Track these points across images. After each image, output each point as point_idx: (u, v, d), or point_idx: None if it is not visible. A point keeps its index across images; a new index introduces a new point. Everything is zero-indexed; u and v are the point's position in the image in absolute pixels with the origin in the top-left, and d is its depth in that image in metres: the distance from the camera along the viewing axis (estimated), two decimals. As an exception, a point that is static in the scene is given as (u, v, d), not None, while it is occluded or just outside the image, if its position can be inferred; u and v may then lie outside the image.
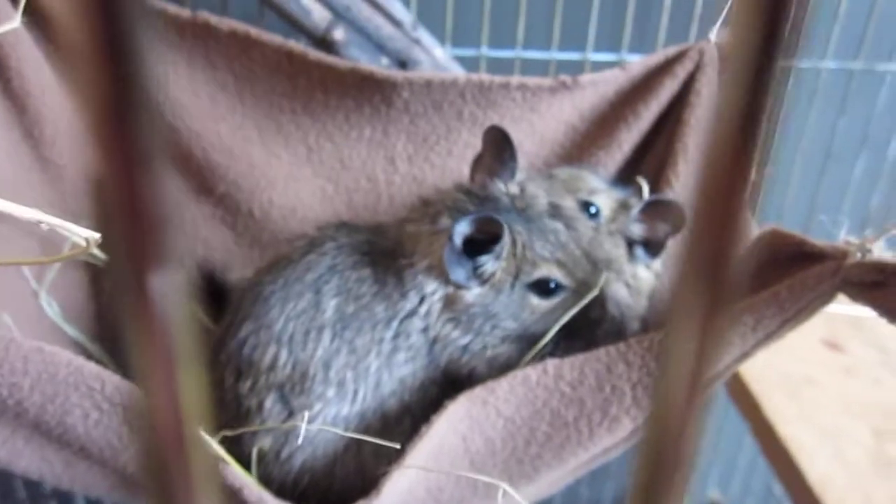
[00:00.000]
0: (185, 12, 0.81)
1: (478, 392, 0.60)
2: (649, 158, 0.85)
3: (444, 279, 0.64)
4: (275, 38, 0.82)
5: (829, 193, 1.08)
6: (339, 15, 0.87)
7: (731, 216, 0.17)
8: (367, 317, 0.65)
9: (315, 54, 0.82)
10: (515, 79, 0.82)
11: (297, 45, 0.82)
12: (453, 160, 0.85)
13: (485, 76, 0.82)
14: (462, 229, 0.61)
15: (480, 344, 0.65)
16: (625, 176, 0.84)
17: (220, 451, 0.59)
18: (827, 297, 0.55)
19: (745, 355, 0.58)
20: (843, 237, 0.57)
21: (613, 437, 0.62)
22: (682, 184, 0.79)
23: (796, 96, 1.03)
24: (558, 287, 0.66)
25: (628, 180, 0.82)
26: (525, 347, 0.66)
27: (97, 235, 0.53)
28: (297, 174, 0.86)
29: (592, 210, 0.75)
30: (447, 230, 0.63)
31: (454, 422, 0.59)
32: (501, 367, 0.65)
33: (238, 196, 0.85)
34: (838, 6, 0.97)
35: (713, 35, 0.82)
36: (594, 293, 0.66)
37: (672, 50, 0.83)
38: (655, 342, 0.60)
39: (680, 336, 0.18)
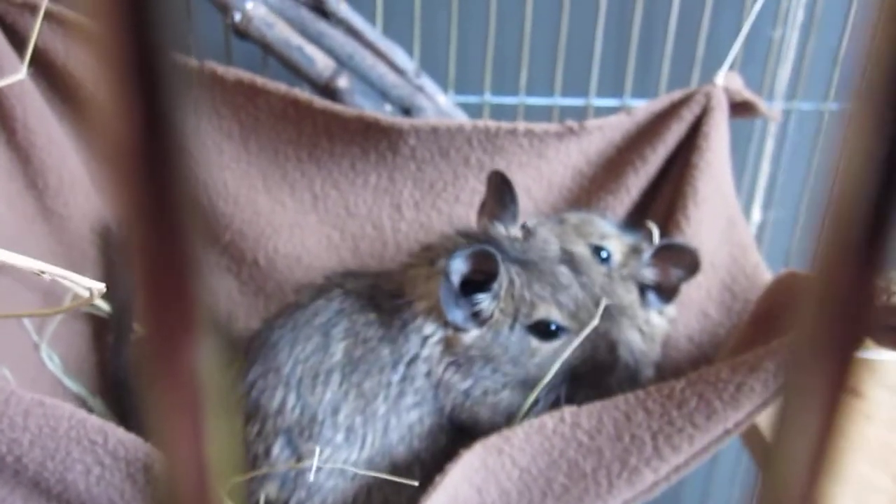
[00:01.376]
0: (191, 61, 0.81)
1: (493, 440, 0.58)
2: (658, 202, 0.85)
3: (444, 321, 0.63)
4: (280, 87, 0.82)
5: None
6: (343, 63, 0.87)
7: (862, 282, 0.15)
8: (374, 360, 0.64)
9: (320, 102, 0.82)
10: (522, 125, 0.82)
11: (303, 93, 0.82)
12: (461, 207, 0.84)
13: (491, 122, 0.82)
14: (457, 266, 0.60)
15: (481, 389, 0.64)
16: (633, 220, 0.84)
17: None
18: None
19: (766, 402, 0.57)
20: None
21: (633, 490, 0.60)
22: (693, 228, 0.78)
23: (800, 138, 1.03)
24: (560, 329, 0.64)
25: (637, 225, 0.82)
26: (528, 393, 0.64)
27: (101, 286, 0.52)
28: (303, 222, 0.85)
29: (604, 255, 0.74)
30: (444, 270, 0.62)
31: (469, 472, 0.58)
32: (504, 414, 0.64)
33: (243, 245, 0.85)
34: (839, 49, 0.97)
35: (719, 79, 0.82)
36: (592, 325, 0.64)
37: (678, 94, 0.83)
38: (677, 390, 0.59)
39: (797, 421, 0.16)
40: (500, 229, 0.70)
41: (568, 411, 0.60)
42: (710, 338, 0.79)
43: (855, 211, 0.16)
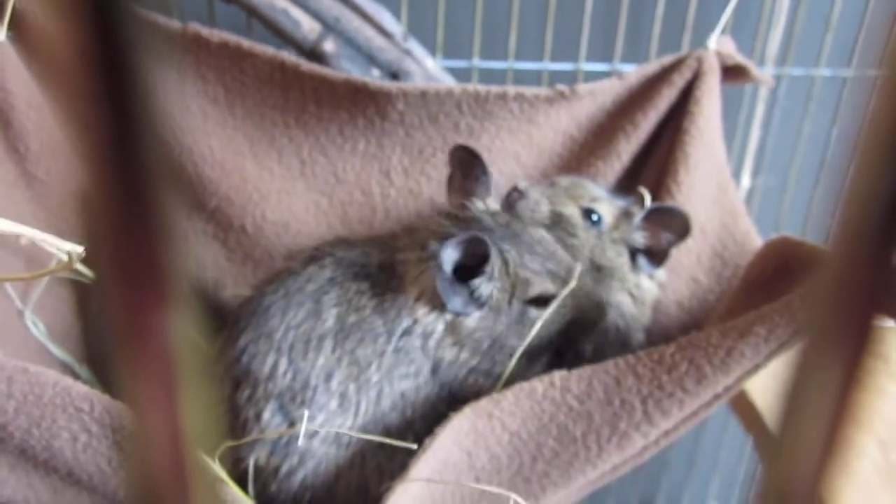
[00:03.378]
0: (174, 24, 0.80)
1: (483, 404, 0.58)
2: (649, 168, 0.84)
3: (441, 307, 0.63)
4: (266, 50, 0.80)
5: (824, 201, 1.08)
6: (329, 27, 0.86)
7: (880, 259, 0.15)
8: (367, 329, 0.63)
9: (308, 65, 0.80)
10: (512, 89, 0.81)
11: (290, 57, 0.81)
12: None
13: (481, 87, 0.81)
14: (449, 256, 0.60)
15: (489, 364, 0.64)
16: (624, 186, 0.83)
17: (219, 469, 0.57)
18: None
19: (756, 367, 0.57)
20: None
21: (623, 455, 0.60)
22: (684, 194, 0.78)
23: (790, 104, 1.03)
24: (554, 296, 0.65)
25: (628, 190, 0.81)
26: (532, 362, 0.65)
27: (80, 249, 0.52)
28: (291, 188, 0.84)
29: (594, 218, 0.74)
30: (434, 256, 0.61)
31: (459, 435, 0.58)
32: (509, 384, 0.64)
33: (230, 211, 0.83)
34: (830, 14, 0.97)
35: (711, 43, 0.82)
36: (569, 287, 0.65)
37: (669, 59, 0.82)
38: (667, 355, 0.59)
39: (810, 400, 0.16)
40: (478, 206, 0.69)
41: (558, 375, 0.60)
42: (700, 304, 0.79)
43: (877, 183, 0.15)
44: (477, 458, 0.59)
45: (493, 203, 0.70)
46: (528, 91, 0.81)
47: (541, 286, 0.64)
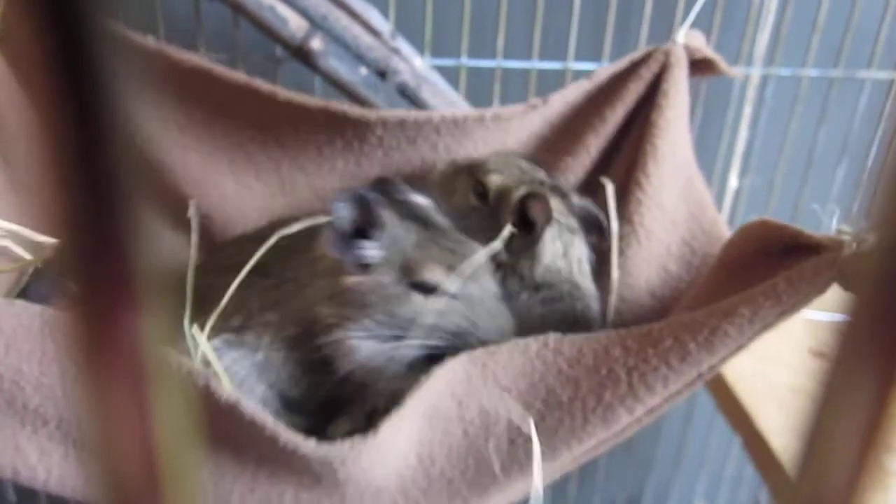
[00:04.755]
0: (149, 42, 0.79)
1: (479, 353, 0.60)
2: (618, 161, 0.85)
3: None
4: (239, 77, 0.80)
5: (811, 201, 1.08)
6: (317, 24, 0.85)
7: None
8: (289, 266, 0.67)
9: (284, 94, 0.80)
10: (490, 112, 0.81)
11: (264, 84, 0.80)
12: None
13: (459, 113, 0.82)
14: (340, 210, 0.61)
15: (345, 328, 0.64)
16: (593, 180, 0.84)
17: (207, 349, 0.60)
18: (822, 289, 0.54)
19: (739, 348, 0.57)
20: (836, 227, 0.56)
21: (607, 429, 0.60)
22: (653, 186, 0.79)
23: (777, 104, 1.03)
24: (443, 292, 0.64)
25: (596, 184, 0.82)
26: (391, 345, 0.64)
27: (52, 241, 0.51)
28: (270, 205, 0.85)
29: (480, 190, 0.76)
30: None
31: (453, 381, 0.59)
32: (359, 361, 0.64)
33: (212, 228, 0.84)
34: (817, 15, 0.97)
35: (679, 36, 0.82)
36: (455, 286, 0.64)
37: (637, 54, 0.83)
38: (654, 330, 0.60)
39: (846, 403, 0.15)
40: (409, 191, 0.70)
41: (552, 337, 0.61)
42: (671, 292, 0.80)
43: None
44: (467, 409, 0.60)
45: (426, 200, 0.71)
46: (505, 111, 0.82)
47: (430, 273, 0.63)
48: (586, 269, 0.78)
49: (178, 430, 0.14)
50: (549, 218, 0.73)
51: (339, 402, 0.66)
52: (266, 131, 0.82)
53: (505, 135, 0.83)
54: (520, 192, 0.74)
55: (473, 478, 0.63)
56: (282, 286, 0.66)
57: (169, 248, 0.84)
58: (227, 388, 0.56)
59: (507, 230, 0.71)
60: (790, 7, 0.97)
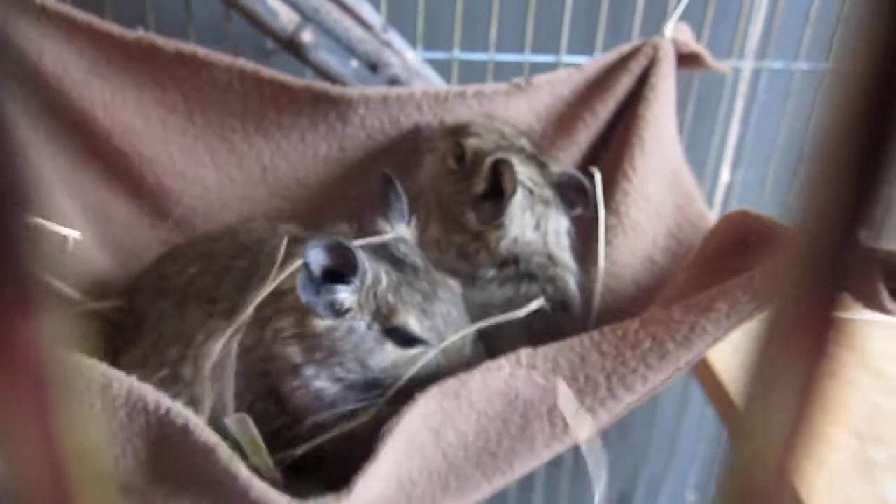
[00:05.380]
0: (129, 34, 0.78)
1: (450, 384, 0.57)
2: (606, 154, 0.85)
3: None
4: (224, 58, 0.79)
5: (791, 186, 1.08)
6: (308, 17, 0.85)
7: (846, 238, 0.14)
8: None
9: (267, 72, 0.80)
10: (471, 87, 0.81)
11: (248, 63, 0.80)
12: (411, 171, 0.84)
13: (441, 87, 0.82)
14: (315, 256, 0.58)
15: (313, 373, 0.61)
16: (582, 172, 0.84)
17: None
18: None
19: (716, 341, 0.57)
20: None
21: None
22: (640, 178, 0.79)
23: (770, 98, 1.03)
24: (417, 340, 0.61)
25: (584, 174, 0.82)
26: (359, 396, 0.61)
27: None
28: (253, 194, 0.84)
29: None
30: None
31: (426, 416, 0.57)
32: (326, 407, 0.61)
33: (194, 220, 0.84)
34: (809, 8, 0.97)
35: (667, 30, 0.82)
36: (442, 346, 0.62)
37: (626, 47, 0.83)
38: (630, 332, 0.59)
39: (776, 384, 0.15)
40: (385, 227, 0.67)
41: (524, 353, 0.59)
42: (657, 283, 0.81)
43: (838, 169, 0.15)
44: (444, 436, 0.59)
45: (403, 230, 0.68)
46: (487, 87, 0.82)
47: (404, 318, 0.60)
48: (565, 242, 0.77)
49: (86, 439, 0.13)
50: (514, 186, 0.72)
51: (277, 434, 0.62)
52: (248, 119, 0.82)
53: None
54: (492, 158, 0.73)
55: (456, 490, 0.62)
56: (235, 318, 0.61)
57: (146, 244, 0.83)
58: (207, 432, 0.53)
59: (537, 302, 0.69)
60: (782, 1, 0.97)
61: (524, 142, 0.78)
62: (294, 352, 0.61)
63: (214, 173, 0.83)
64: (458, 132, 0.77)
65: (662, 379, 0.60)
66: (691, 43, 0.83)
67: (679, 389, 1.24)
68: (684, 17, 0.91)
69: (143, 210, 0.83)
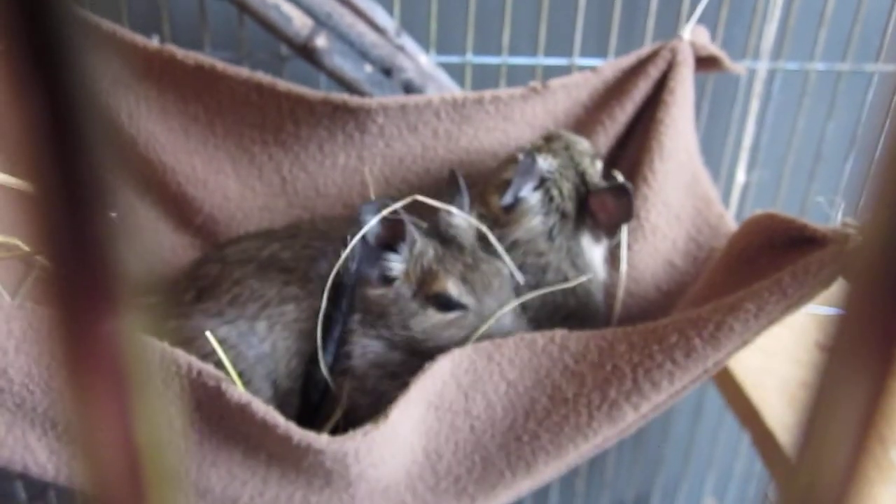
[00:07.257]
0: (151, 44, 0.79)
1: (485, 345, 0.61)
2: (624, 158, 0.85)
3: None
4: (241, 71, 0.80)
5: (819, 196, 1.07)
6: (321, 22, 0.85)
7: None
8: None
9: (284, 85, 0.80)
10: (489, 93, 0.82)
11: (265, 77, 0.80)
12: (429, 177, 0.84)
13: (458, 94, 0.82)
14: (367, 218, 0.63)
15: (361, 329, 0.67)
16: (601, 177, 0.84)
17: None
18: (827, 283, 0.54)
19: (745, 343, 0.57)
20: (841, 219, 0.56)
21: (613, 426, 0.60)
22: (659, 182, 0.79)
23: (785, 98, 1.03)
24: (457, 304, 0.66)
25: (604, 178, 0.82)
26: (407, 358, 0.66)
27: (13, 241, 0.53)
28: (273, 205, 0.85)
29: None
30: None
31: (458, 370, 0.60)
32: (374, 365, 0.66)
33: (215, 228, 0.85)
34: (824, 8, 0.96)
35: (686, 33, 0.82)
36: (486, 326, 0.66)
37: (644, 50, 0.83)
38: (660, 326, 0.60)
39: (843, 394, 0.15)
40: (445, 215, 0.71)
41: (559, 333, 0.62)
42: (678, 286, 0.80)
43: None
44: (474, 402, 0.61)
45: (461, 219, 0.71)
46: (504, 92, 0.82)
47: (442, 284, 0.65)
48: (582, 259, 0.77)
49: (161, 433, 0.13)
50: (526, 175, 0.74)
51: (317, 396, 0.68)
52: (266, 130, 0.83)
53: (506, 123, 0.83)
54: (523, 152, 0.76)
55: (480, 475, 0.63)
56: (306, 285, 0.68)
57: (171, 248, 0.84)
58: (239, 389, 0.56)
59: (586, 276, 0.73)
60: (797, 1, 0.96)
61: (587, 162, 0.78)
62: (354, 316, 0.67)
63: (235, 183, 0.84)
64: (547, 138, 0.79)
65: (689, 379, 0.59)
66: (709, 46, 0.83)
67: (695, 394, 1.23)
68: (699, 18, 0.91)
69: (168, 215, 0.85)
